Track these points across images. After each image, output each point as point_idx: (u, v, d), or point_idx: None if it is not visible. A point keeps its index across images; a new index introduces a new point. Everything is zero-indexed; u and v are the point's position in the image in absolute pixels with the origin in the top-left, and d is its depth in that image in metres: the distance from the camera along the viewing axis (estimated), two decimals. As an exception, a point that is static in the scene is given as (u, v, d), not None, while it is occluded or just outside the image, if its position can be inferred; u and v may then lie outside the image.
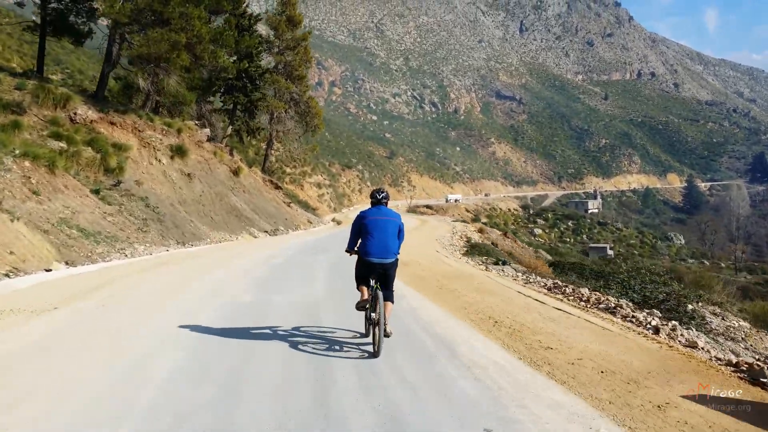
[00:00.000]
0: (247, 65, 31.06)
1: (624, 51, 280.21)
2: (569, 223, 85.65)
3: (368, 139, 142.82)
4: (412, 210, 73.40)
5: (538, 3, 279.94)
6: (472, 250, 23.97)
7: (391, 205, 6.23)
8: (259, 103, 33.67)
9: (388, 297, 5.83)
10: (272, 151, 38.34)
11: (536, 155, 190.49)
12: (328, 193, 70.07)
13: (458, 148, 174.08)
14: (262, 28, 35.45)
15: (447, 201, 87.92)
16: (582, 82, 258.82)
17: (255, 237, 23.44)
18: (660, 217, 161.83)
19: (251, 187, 28.58)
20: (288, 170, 64.81)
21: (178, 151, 22.31)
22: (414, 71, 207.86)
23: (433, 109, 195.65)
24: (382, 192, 6.09)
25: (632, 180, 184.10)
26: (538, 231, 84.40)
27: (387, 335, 5.73)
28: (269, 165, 39.61)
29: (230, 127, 33.66)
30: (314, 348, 5.87)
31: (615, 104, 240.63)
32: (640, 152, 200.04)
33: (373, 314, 5.64)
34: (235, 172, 27.23)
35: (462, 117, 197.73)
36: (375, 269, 5.76)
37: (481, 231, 37.67)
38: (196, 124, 27.62)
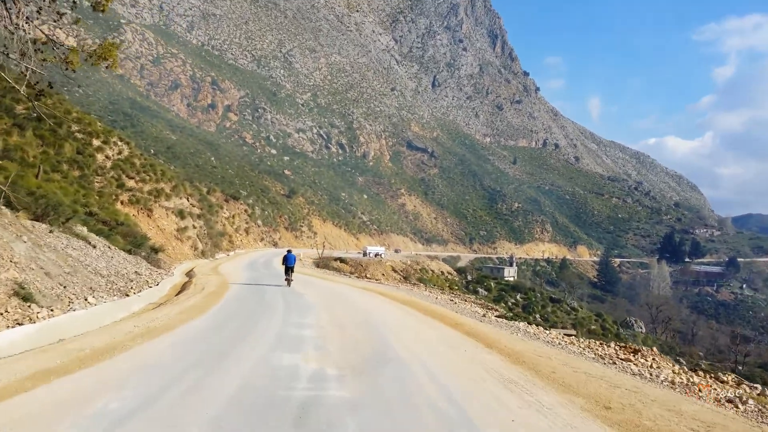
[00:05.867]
0: None
1: (531, 119, 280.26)
2: (518, 297, 66.38)
3: (264, 172, 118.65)
4: (324, 264, 50.33)
5: (452, 61, 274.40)
6: None
7: (293, 253, 25.12)
8: None
9: (292, 273, 24.48)
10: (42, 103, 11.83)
11: (447, 212, 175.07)
12: (196, 227, 45.37)
13: (365, 196, 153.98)
14: None
15: (365, 254, 65.45)
16: (490, 144, 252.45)
17: None
18: (576, 291, 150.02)
19: None
20: (132, 183, 39.79)
21: None
22: (322, 109, 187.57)
23: (341, 151, 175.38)
24: (290, 250, 25.92)
25: (544, 248, 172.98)
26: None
27: (291, 281, 24.28)
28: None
29: None
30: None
31: (523, 170, 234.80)
32: (550, 220, 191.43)
33: (287, 279, 24.13)
34: None
35: (371, 163, 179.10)
36: (289, 267, 24.21)
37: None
38: None
